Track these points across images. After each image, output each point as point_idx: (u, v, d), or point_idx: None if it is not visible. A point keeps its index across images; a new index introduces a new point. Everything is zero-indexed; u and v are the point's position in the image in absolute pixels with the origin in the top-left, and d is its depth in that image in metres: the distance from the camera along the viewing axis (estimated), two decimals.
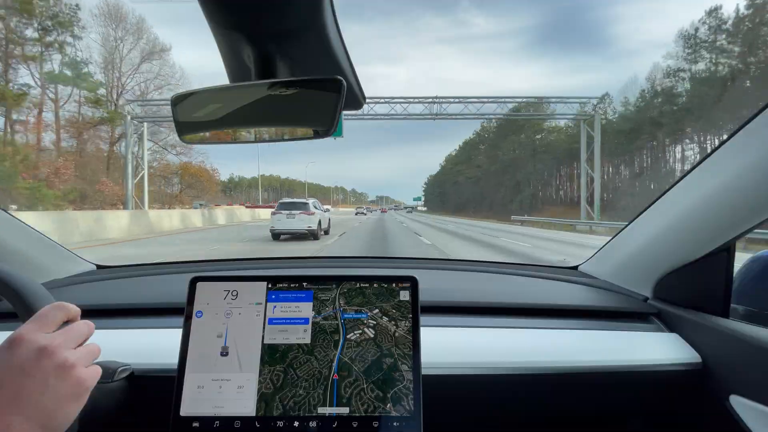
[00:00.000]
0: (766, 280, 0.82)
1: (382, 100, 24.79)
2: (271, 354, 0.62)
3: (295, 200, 14.41)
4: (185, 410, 0.59)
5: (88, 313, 0.52)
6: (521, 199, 55.92)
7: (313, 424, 0.58)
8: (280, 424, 0.59)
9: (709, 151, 0.75)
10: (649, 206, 0.92)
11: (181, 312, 0.65)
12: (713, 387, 0.75)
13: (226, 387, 0.60)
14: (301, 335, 0.63)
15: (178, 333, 0.64)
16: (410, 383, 0.61)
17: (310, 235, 13.21)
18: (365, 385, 0.61)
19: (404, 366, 0.62)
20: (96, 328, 0.51)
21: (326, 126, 0.57)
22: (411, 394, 0.60)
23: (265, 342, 0.63)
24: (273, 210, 13.79)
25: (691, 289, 0.85)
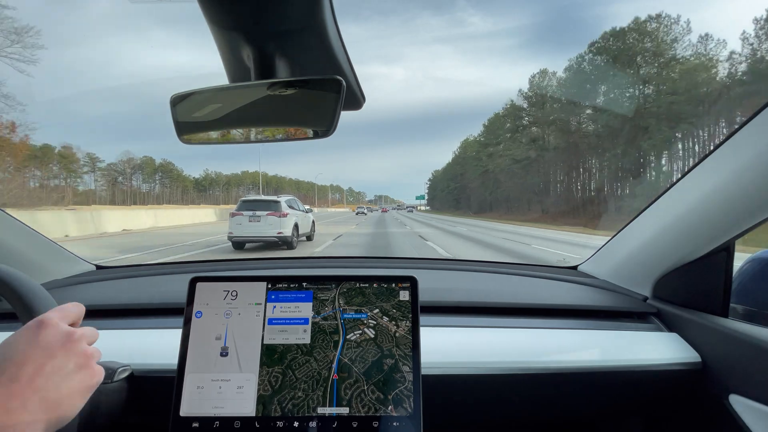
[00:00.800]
0: (766, 280, 0.82)
1: None
2: (269, 355, 0.62)
3: (262, 198, 11.22)
4: (185, 410, 0.59)
5: (88, 313, 0.52)
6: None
7: (312, 424, 0.58)
8: (280, 424, 0.59)
9: (707, 151, 0.74)
10: (649, 206, 0.92)
11: (181, 312, 0.64)
12: (713, 386, 0.75)
13: (225, 387, 0.60)
14: (301, 335, 0.63)
15: (177, 333, 0.63)
16: (411, 384, 0.61)
17: (282, 244, 10.08)
18: (366, 387, 0.60)
19: (405, 367, 0.61)
20: (96, 328, 0.51)
21: (326, 126, 0.57)
22: (411, 394, 0.60)
23: (264, 342, 0.63)
24: (232, 210, 10.36)
25: (691, 289, 0.85)
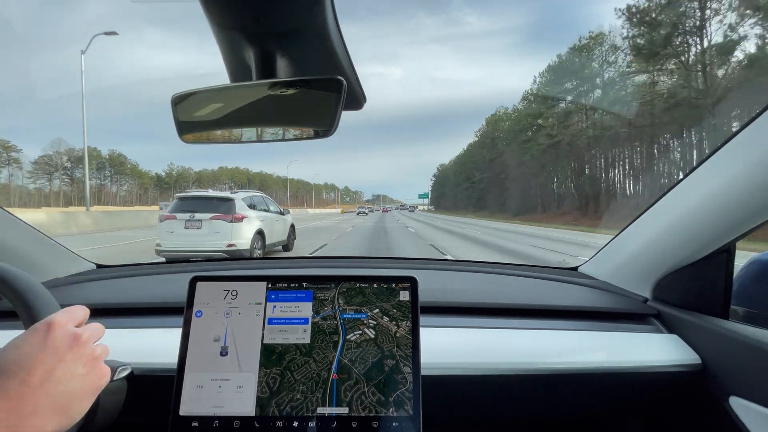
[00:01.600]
0: (766, 282, 0.82)
1: None
2: (268, 356, 0.62)
3: (206, 194, 7.86)
4: (184, 410, 0.59)
5: (89, 312, 0.52)
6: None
7: (312, 424, 0.58)
8: (279, 423, 0.59)
9: (708, 152, 0.73)
10: (649, 207, 0.92)
11: (181, 311, 0.65)
12: (713, 388, 0.75)
13: (225, 387, 0.60)
14: (301, 335, 0.63)
15: (177, 332, 0.64)
16: (411, 385, 0.61)
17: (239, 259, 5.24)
18: (366, 389, 0.60)
19: (407, 368, 0.61)
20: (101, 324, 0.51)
21: (327, 126, 0.57)
22: (411, 395, 0.60)
23: (264, 342, 0.63)
24: (164, 213, 7.31)
25: (691, 291, 0.85)
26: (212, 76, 0.63)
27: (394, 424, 0.58)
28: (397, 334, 0.63)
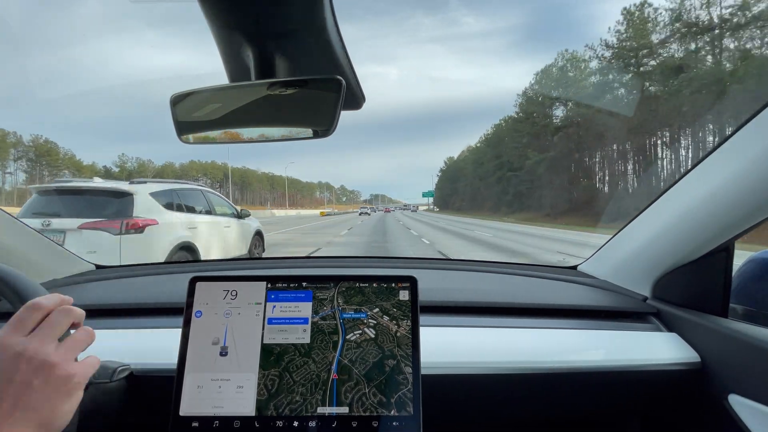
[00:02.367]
0: (765, 280, 0.82)
1: None
2: (266, 357, 0.62)
3: (83, 185, 4.72)
4: (184, 410, 0.59)
5: (87, 312, 0.52)
6: None
7: (312, 423, 0.58)
8: (280, 423, 0.59)
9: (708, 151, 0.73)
10: (649, 206, 0.92)
11: (181, 312, 0.64)
12: (712, 386, 0.75)
13: (225, 387, 0.60)
14: (301, 335, 0.63)
15: (177, 333, 0.64)
16: (412, 385, 0.61)
17: None
18: (367, 390, 0.60)
19: (408, 368, 0.61)
20: (95, 328, 0.51)
21: (326, 126, 0.57)
22: (410, 393, 0.60)
23: (264, 342, 0.63)
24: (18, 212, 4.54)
25: (690, 289, 0.85)
26: (211, 76, 0.63)
27: (394, 423, 0.58)
28: (398, 334, 0.63)
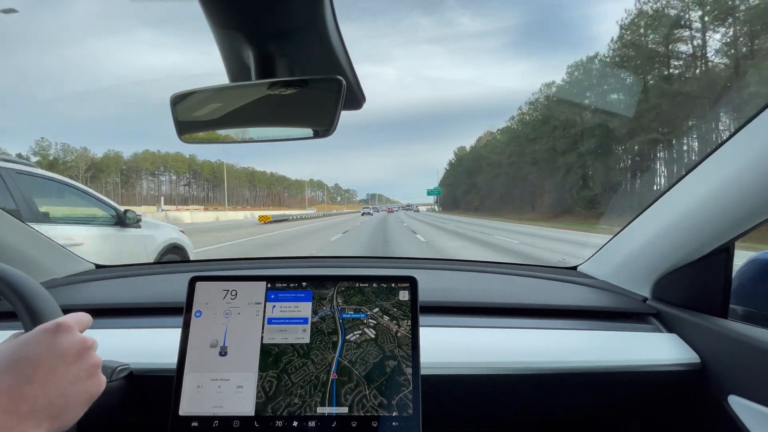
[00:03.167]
0: (765, 281, 0.82)
1: None
2: (264, 358, 0.61)
3: None
4: (184, 410, 0.59)
5: (87, 312, 0.52)
6: None
7: (311, 423, 0.58)
8: (279, 423, 0.58)
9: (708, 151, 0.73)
10: (649, 206, 0.92)
11: (180, 311, 0.64)
12: (712, 387, 0.75)
13: (225, 387, 0.60)
14: (300, 335, 0.63)
15: (177, 332, 0.63)
16: (413, 385, 0.61)
17: None
18: (367, 391, 0.60)
19: (409, 369, 0.61)
20: (95, 328, 0.51)
21: (326, 126, 0.57)
22: (411, 394, 0.60)
23: (264, 342, 0.63)
24: None
25: (690, 290, 0.85)
26: (211, 76, 0.63)
27: (394, 423, 0.58)
28: (398, 334, 0.63)
